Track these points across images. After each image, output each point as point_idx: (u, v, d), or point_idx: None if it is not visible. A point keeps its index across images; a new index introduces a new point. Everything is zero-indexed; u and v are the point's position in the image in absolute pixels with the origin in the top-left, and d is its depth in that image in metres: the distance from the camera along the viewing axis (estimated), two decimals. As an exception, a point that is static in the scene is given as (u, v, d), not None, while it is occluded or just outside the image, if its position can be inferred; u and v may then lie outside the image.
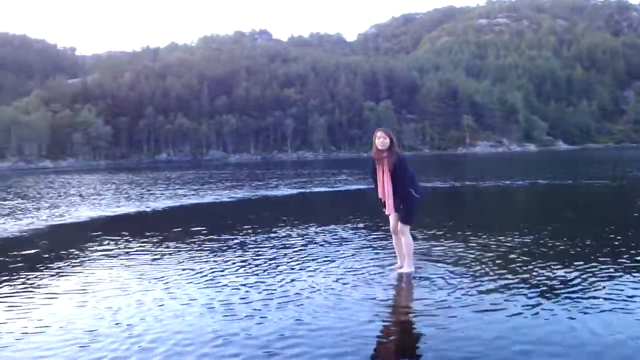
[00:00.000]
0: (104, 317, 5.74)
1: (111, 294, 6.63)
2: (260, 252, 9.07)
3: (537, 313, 5.42)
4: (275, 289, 6.56)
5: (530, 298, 5.90)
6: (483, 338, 4.80)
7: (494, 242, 9.20)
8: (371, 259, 8.15)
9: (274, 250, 9.32)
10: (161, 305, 6.09)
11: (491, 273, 7.03)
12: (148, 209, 18.26)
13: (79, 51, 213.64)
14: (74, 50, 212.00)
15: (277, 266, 7.94)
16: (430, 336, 4.93)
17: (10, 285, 7.42)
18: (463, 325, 5.15)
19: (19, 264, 8.96)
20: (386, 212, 7.12)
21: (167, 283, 7.14)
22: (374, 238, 10.19)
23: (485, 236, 9.79)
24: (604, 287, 6.24)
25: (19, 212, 18.12)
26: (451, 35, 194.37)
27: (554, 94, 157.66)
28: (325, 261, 8.16)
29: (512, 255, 8.15)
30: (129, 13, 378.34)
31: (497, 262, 7.71)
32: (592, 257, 7.86)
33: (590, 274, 6.86)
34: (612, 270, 7.08)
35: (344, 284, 6.80)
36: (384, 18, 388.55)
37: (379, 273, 7.30)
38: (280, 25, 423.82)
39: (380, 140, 6.97)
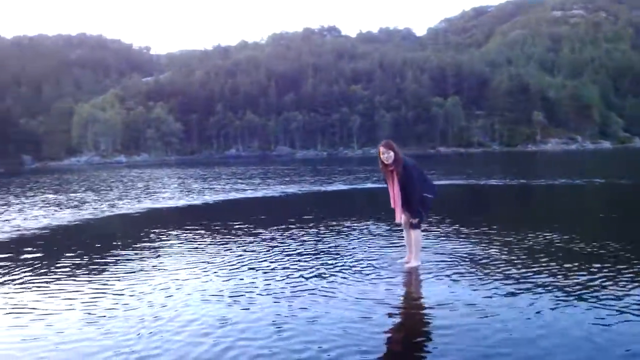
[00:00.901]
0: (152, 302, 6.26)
1: (161, 280, 7.12)
2: (286, 246, 9.47)
3: (554, 311, 5.40)
4: (282, 282, 6.90)
5: (551, 299, 5.80)
6: (493, 336, 4.82)
7: (533, 242, 8.93)
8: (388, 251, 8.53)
9: (297, 243, 9.76)
10: (169, 295, 6.60)
11: (516, 273, 6.90)
12: (203, 202, 19.02)
13: (154, 50, 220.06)
14: (148, 50, 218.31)
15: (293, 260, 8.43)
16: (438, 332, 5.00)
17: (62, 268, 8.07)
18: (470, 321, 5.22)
19: (68, 252, 9.66)
20: (396, 220, 7.35)
21: (191, 272, 7.65)
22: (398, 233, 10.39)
23: (526, 235, 9.53)
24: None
25: (85, 204, 19.23)
26: (524, 28, 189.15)
27: (632, 88, 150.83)
28: (344, 254, 8.49)
29: (546, 255, 7.92)
30: (202, 13, 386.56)
31: (527, 261, 7.57)
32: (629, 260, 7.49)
33: (621, 278, 6.57)
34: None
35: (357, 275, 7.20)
36: (455, 12, 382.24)
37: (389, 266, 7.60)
38: (349, 21, 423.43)
39: (385, 155, 7.12)
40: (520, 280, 6.52)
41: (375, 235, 10.06)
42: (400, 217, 7.28)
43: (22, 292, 6.93)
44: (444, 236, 9.73)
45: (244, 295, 6.26)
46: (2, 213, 17.01)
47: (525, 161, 57.50)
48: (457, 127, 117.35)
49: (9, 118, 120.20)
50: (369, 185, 25.06)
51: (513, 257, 7.79)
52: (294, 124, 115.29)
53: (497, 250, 8.32)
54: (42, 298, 6.55)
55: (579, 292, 6.02)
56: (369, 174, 32.54)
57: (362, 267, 7.49)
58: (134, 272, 7.66)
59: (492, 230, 10.17)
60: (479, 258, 7.86)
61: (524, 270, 7.03)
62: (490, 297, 5.91)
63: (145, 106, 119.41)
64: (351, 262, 7.84)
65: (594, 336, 4.74)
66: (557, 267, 7.20)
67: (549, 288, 6.18)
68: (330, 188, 24.19)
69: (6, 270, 8.19)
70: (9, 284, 7.38)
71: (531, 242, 8.90)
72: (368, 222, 11.67)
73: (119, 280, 7.27)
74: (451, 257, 7.95)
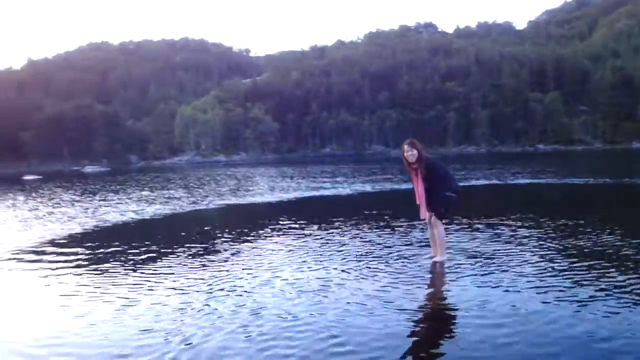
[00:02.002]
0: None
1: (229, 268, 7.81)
2: (341, 243, 9.92)
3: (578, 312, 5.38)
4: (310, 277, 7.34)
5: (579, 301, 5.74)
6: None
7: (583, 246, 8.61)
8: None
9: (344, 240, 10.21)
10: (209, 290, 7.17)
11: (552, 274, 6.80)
12: (281, 200, 19.82)
13: (253, 52, 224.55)
14: (248, 52, 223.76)
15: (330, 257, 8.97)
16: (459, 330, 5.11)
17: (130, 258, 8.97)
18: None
19: (141, 244, 10.61)
20: (420, 216, 7.67)
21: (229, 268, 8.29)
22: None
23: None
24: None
25: (173, 199, 20.46)
26: (631, 18, 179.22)
27: None
28: (383, 252, 9.05)
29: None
30: (301, 14, 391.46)
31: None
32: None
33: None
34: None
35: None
36: (557, 3, 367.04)
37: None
38: (446, 17, 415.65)
39: (409, 154, 7.40)
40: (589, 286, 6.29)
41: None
42: (425, 213, 7.58)
43: (91, 277, 7.86)
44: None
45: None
46: (97, 207, 18.44)
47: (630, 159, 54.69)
48: (556, 123, 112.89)
49: (116, 120, 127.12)
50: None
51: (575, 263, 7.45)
52: (388, 122, 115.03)
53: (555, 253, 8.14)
54: (117, 283, 7.44)
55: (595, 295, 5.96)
56: (466, 173, 32.31)
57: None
58: (182, 265, 8.41)
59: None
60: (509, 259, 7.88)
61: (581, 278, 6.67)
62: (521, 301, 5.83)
63: (244, 107, 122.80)
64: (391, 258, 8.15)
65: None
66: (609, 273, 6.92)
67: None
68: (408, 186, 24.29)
69: (79, 259, 9.22)
70: (82, 270, 8.33)
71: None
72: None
73: (176, 273, 8.01)
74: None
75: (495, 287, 6.29)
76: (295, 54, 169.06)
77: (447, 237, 8.25)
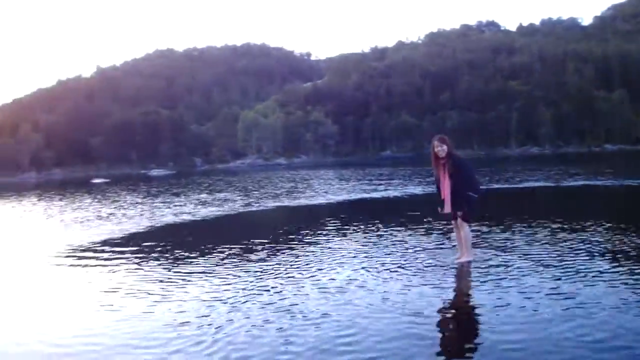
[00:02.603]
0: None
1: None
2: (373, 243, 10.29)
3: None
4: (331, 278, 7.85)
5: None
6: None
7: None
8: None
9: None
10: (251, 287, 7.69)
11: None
12: (327, 201, 20.25)
13: (314, 55, 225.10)
14: (309, 56, 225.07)
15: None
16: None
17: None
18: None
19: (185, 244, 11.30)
20: (445, 211, 7.86)
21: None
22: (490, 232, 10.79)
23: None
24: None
25: (227, 201, 21.25)
26: None
27: None
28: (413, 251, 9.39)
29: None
30: (361, 16, 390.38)
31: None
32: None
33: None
34: None
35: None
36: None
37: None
38: (509, 14, 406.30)
39: (439, 149, 7.68)
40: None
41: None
42: (449, 207, 7.77)
43: (132, 274, 8.55)
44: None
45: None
46: (156, 209, 19.37)
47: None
48: (623, 122, 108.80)
49: (181, 124, 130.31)
50: (509, 186, 24.98)
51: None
52: (449, 123, 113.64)
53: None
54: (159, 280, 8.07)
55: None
56: (523, 174, 31.93)
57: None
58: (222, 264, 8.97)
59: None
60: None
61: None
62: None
63: (304, 110, 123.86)
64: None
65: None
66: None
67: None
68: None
69: (125, 257, 9.97)
70: (125, 267, 9.05)
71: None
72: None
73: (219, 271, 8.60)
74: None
75: (520, 292, 6.29)
76: (356, 56, 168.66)
77: (474, 239, 8.48)
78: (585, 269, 7.21)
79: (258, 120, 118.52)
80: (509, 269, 7.40)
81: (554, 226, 10.76)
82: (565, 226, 10.72)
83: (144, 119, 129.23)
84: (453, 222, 8.13)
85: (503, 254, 8.35)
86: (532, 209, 15.31)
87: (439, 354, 4.80)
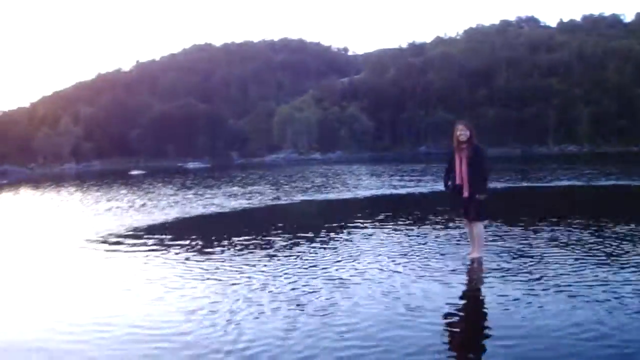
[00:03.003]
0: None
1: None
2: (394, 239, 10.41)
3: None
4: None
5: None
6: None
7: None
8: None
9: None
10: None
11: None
12: (353, 196, 20.44)
13: (351, 51, 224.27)
14: (346, 51, 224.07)
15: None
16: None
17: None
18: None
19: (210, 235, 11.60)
20: (464, 195, 7.88)
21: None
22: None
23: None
24: None
25: (256, 195, 21.56)
26: None
27: None
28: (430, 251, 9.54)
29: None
30: (399, 10, 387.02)
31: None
32: None
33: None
34: None
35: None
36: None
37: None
38: (549, 9, 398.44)
39: (461, 132, 7.77)
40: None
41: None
42: (467, 191, 7.81)
43: (154, 262, 8.85)
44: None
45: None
46: (186, 200, 19.77)
47: None
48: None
49: (218, 118, 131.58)
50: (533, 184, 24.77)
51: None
52: (486, 120, 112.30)
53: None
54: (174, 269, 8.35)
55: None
56: (557, 174, 31.57)
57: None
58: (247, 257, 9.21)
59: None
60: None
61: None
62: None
63: (340, 106, 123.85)
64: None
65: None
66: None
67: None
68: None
69: (149, 246, 10.30)
70: (148, 255, 9.36)
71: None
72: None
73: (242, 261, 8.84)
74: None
75: (526, 292, 6.26)
76: (393, 51, 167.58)
77: (486, 237, 8.59)
78: (597, 269, 7.20)
79: (294, 115, 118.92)
80: (520, 267, 7.45)
81: (574, 225, 10.71)
82: (584, 225, 10.69)
83: (182, 113, 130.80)
84: (464, 218, 8.25)
85: (516, 252, 8.40)
86: (555, 208, 15.19)
87: (436, 346, 4.89)
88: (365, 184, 26.70)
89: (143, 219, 14.37)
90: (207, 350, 4.89)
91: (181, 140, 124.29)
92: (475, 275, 7.35)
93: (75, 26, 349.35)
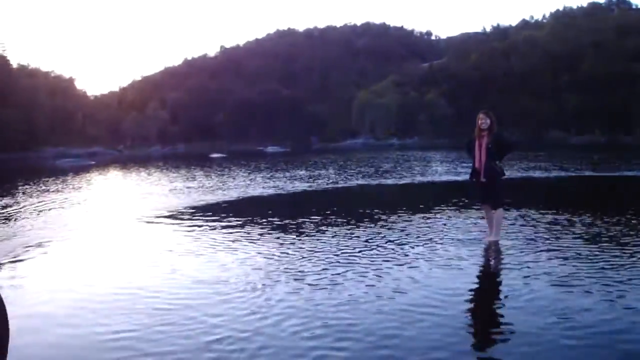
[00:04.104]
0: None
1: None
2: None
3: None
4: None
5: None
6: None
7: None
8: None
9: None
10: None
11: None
12: (408, 182, 21.07)
13: (435, 35, 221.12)
14: (429, 35, 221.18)
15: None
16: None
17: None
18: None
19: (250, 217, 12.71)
20: (481, 179, 8.38)
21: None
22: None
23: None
24: None
25: (316, 178, 22.63)
26: None
27: None
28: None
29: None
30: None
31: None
32: None
33: None
34: None
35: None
36: None
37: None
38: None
39: (482, 121, 8.31)
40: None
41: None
42: (486, 175, 8.26)
43: (194, 237, 10.03)
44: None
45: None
46: (252, 182, 21.06)
47: None
48: None
49: (300, 104, 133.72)
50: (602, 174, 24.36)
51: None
52: (569, 107, 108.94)
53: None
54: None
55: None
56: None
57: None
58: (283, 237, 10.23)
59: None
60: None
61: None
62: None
63: (419, 91, 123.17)
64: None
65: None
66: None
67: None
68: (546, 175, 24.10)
69: (196, 222, 11.55)
70: (191, 231, 10.56)
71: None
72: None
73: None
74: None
75: (536, 277, 6.40)
76: (476, 35, 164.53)
77: (504, 222, 9.05)
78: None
79: (373, 100, 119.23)
80: (536, 255, 7.51)
81: (611, 216, 10.57)
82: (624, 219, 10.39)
83: (264, 98, 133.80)
84: (482, 204, 8.84)
85: (538, 241, 8.52)
86: (598, 200, 15.11)
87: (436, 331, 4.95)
88: (431, 171, 27.08)
89: (204, 199, 15.67)
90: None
91: (263, 125, 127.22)
92: (491, 258, 7.75)
93: (164, 13, 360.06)
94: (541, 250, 7.76)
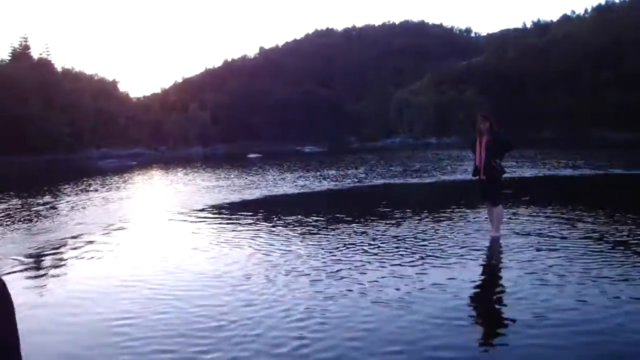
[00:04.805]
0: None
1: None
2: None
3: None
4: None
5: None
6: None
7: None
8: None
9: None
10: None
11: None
12: (435, 181, 21.44)
13: (474, 32, 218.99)
14: (469, 32, 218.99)
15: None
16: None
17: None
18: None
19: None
20: (481, 176, 8.94)
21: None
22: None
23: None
24: None
25: (342, 177, 23.22)
26: None
27: None
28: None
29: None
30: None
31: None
32: None
33: None
34: None
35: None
36: None
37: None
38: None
39: (481, 124, 8.89)
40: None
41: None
42: (485, 174, 8.82)
43: (216, 232, 10.72)
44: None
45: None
46: (280, 181, 21.75)
47: None
48: None
49: (338, 104, 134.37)
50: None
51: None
52: (608, 104, 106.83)
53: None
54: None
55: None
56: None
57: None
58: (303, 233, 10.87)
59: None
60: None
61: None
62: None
63: (457, 89, 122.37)
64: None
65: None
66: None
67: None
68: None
69: (221, 218, 12.22)
70: (214, 226, 11.27)
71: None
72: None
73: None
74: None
75: (530, 273, 6.63)
76: (516, 31, 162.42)
77: (505, 217, 9.48)
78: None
79: (410, 99, 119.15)
80: (539, 254, 7.69)
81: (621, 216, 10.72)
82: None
83: (303, 98, 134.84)
84: (483, 200, 9.39)
85: (542, 238, 8.76)
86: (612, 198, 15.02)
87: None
88: (460, 169, 27.06)
89: (229, 197, 16.46)
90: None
91: (301, 125, 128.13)
92: (493, 254, 8.06)
93: (205, 15, 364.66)
94: (544, 249, 7.96)
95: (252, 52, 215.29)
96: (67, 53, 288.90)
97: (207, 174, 30.29)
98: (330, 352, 4.52)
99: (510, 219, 10.34)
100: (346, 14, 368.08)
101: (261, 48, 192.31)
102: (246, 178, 25.11)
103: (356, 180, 22.02)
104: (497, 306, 5.80)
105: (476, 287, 6.43)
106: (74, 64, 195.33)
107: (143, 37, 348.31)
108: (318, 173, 26.90)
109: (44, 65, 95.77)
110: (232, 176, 27.23)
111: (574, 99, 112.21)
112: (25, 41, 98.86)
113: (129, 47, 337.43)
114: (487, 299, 6.07)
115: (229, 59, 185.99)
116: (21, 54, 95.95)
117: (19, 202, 16.71)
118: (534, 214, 11.13)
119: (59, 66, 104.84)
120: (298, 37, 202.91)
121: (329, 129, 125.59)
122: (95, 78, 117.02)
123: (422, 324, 5.07)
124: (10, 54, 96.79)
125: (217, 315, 5.45)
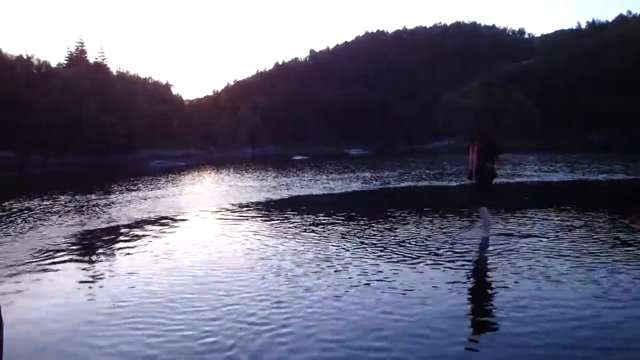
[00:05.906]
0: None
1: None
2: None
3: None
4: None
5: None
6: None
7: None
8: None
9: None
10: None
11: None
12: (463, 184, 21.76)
13: (528, 33, 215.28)
14: (522, 33, 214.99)
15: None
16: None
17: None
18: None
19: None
20: (473, 180, 9.71)
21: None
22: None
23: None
24: None
25: (374, 180, 23.99)
26: None
27: None
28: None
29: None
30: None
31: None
32: None
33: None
34: None
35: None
36: None
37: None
38: None
39: (472, 135, 9.84)
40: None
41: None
42: (475, 178, 9.56)
43: (232, 230, 11.72)
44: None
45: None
46: (313, 182, 22.67)
47: None
48: None
49: (387, 106, 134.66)
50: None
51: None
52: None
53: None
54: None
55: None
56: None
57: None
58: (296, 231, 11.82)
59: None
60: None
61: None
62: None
63: (506, 92, 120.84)
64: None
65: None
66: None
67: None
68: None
69: (242, 217, 13.23)
70: (236, 225, 12.32)
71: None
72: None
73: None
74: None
75: (515, 272, 6.83)
76: (571, 32, 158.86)
77: (490, 219, 9.80)
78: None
79: (459, 101, 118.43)
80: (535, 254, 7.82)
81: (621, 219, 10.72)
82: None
83: (351, 100, 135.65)
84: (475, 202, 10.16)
85: (533, 237, 9.05)
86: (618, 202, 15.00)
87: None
88: (499, 173, 26.58)
89: (262, 196, 17.52)
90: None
91: (349, 127, 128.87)
92: (480, 253, 8.29)
93: (257, 19, 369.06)
94: (540, 249, 8.19)
95: (302, 54, 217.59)
96: (122, 56, 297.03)
97: (247, 175, 31.36)
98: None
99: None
100: (397, 16, 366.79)
101: (311, 50, 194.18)
102: (283, 179, 26.05)
103: (385, 182, 22.63)
104: (484, 304, 6.00)
105: (455, 286, 6.49)
106: (129, 67, 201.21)
107: (197, 40, 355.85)
108: (352, 175, 27.66)
109: (100, 68, 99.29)
110: (270, 177, 28.23)
111: (630, 101, 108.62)
112: (81, 45, 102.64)
113: (183, 50, 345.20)
114: (475, 299, 6.26)
115: (280, 62, 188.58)
116: (78, 58, 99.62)
117: (74, 199, 18.05)
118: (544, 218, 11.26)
119: (114, 69, 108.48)
120: (349, 40, 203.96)
121: (377, 131, 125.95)
122: (150, 81, 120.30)
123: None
124: (67, 58, 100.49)
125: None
